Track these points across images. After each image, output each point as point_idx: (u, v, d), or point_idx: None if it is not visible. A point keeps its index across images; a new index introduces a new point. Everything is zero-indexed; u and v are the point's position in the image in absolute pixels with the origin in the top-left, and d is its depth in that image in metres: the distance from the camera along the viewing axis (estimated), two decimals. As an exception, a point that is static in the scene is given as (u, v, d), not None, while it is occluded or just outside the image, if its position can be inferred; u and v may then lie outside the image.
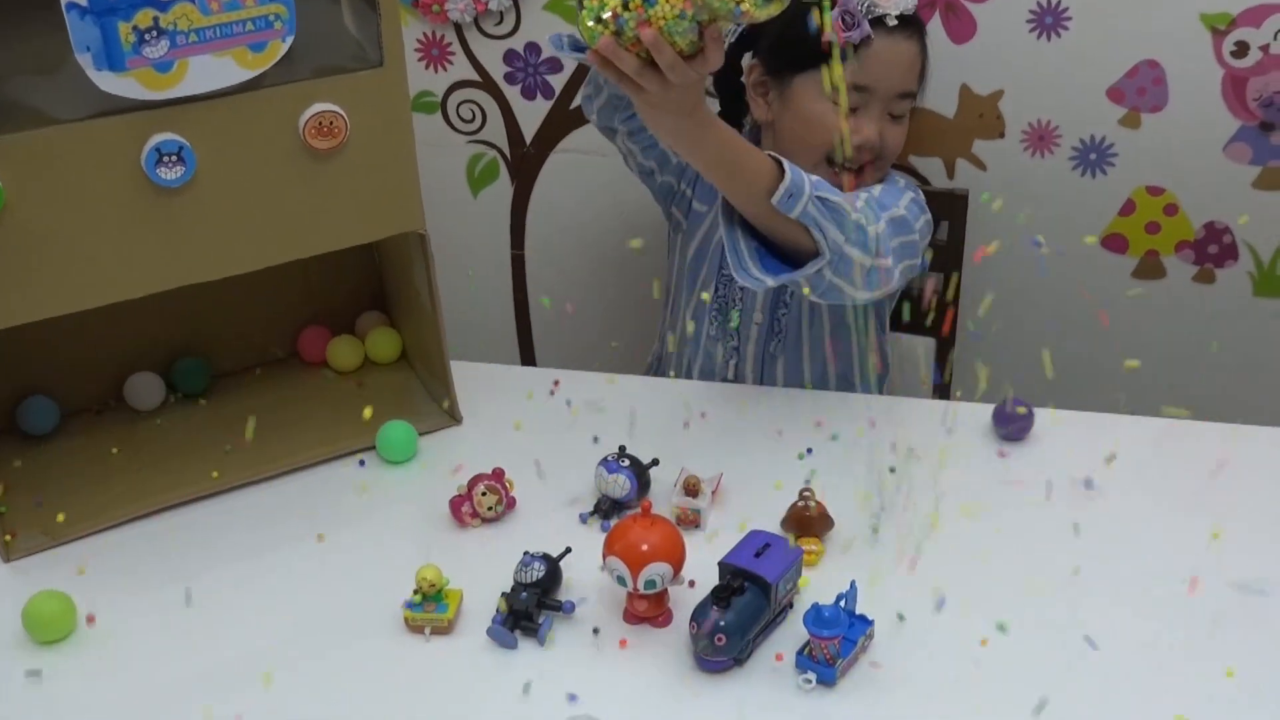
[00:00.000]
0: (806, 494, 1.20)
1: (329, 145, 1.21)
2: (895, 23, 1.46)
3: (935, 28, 1.68)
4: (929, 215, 1.52)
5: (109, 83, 1.09)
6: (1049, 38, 1.66)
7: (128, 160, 1.13)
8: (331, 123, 1.21)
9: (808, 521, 1.19)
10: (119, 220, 1.15)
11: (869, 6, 1.46)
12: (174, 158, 1.15)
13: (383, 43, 1.21)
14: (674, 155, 1.57)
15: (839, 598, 1.05)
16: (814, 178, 1.26)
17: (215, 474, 1.33)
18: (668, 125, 1.20)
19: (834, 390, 1.55)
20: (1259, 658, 1.05)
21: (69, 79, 1.08)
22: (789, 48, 1.51)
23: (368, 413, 1.31)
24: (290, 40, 1.16)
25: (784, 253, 1.30)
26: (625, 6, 1.08)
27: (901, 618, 1.09)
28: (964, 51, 1.69)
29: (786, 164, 1.24)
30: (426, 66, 1.87)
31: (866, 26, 1.45)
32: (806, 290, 1.29)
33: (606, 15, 1.08)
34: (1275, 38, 1.60)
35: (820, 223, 1.24)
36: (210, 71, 1.13)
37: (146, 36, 1.08)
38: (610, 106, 1.50)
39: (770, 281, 1.27)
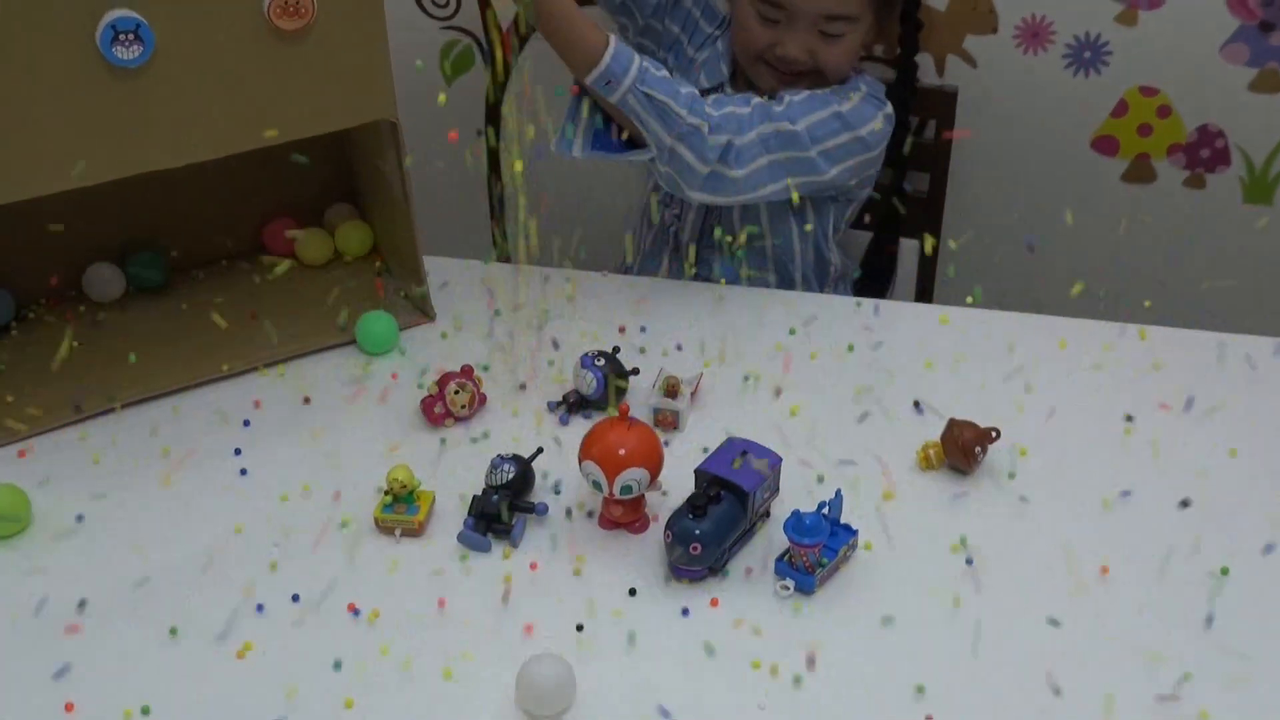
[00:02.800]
0: (994, 434, 1.14)
1: (295, 26, 1.15)
2: None
3: (929, -85, 1.62)
4: (883, 124, 1.46)
5: (59, -47, 1.03)
6: (1047, -72, 1.60)
7: (81, 38, 1.07)
8: (298, 2, 1.14)
9: (957, 449, 1.14)
10: (71, 103, 1.09)
11: None
12: (131, 36, 1.08)
13: (354, -83, 1.15)
14: (638, 15, 1.54)
15: (821, 505, 1.02)
16: (659, 73, 1.29)
17: (179, 370, 1.29)
18: None
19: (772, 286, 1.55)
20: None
21: (15, -52, 1.02)
22: None
23: (343, 317, 1.30)
24: (254, -87, 1.10)
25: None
26: None
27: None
28: (958, -59, 1.63)
29: (613, 48, 1.26)
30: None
31: None
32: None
33: None
34: (1281, -67, 1.54)
35: (642, 117, 1.28)
36: (169, -56, 1.07)
37: (99, -97, 1.02)
38: None
39: (579, 154, 1.32)
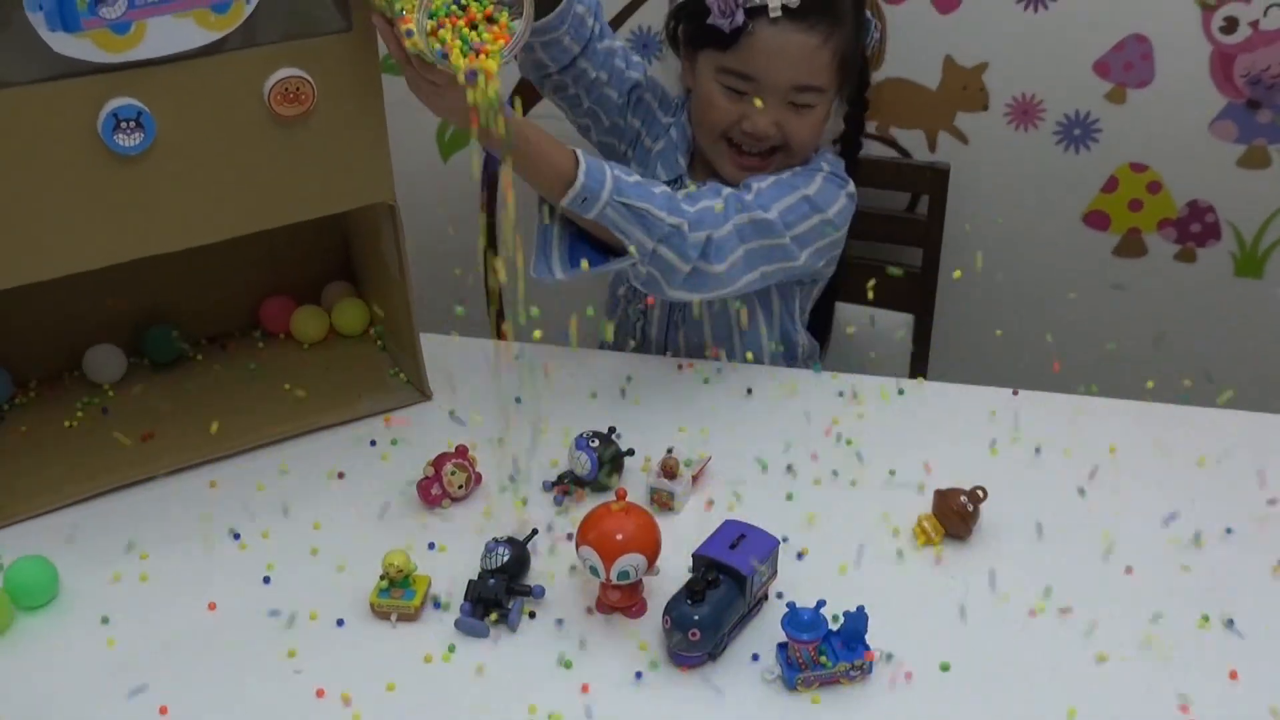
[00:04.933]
0: (980, 493, 1.15)
1: (295, 112, 1.17)
2: (778, 14, 1.37)
3: (921, -2, 1.65)
4: (845, 202, 1.44)
5: (63, 44, 1.04)
6: (1035, 10, 1.63)
7: (83, 126, 1.08)
8: (298, 89, 1.16)
9: (949, 513, 1.15)
10: (74, 189, 1.10)
11: None
12: (132, 124, 1.09)
13: (351, 5, 1.16)
14: (604, 116, 1.53)
15: (820, 602, 1.02)
16: (631, 179, 1.25)
17: (173, 453, 1.29)
18: (441, 109, 1.22)
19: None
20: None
21: (20, 39, 1.02)
22: (691, 20, 1.45)
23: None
24: (255, 1, 1.11)
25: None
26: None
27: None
28: (949, 22, 1.66)
29: (583, 165, 1.22)
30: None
31: (740, 17, 1.37)
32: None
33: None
34: (1265, 14, 1.57)
35: (622, 227, 1.24)
36: (170, 33, 1.08)
37: (103, -4, 1.03)
38: (530, 64, 1.46)
39: (561, 275, 1.27)
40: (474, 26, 1.11)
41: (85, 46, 1.05)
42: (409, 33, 1.10)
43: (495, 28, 1.12)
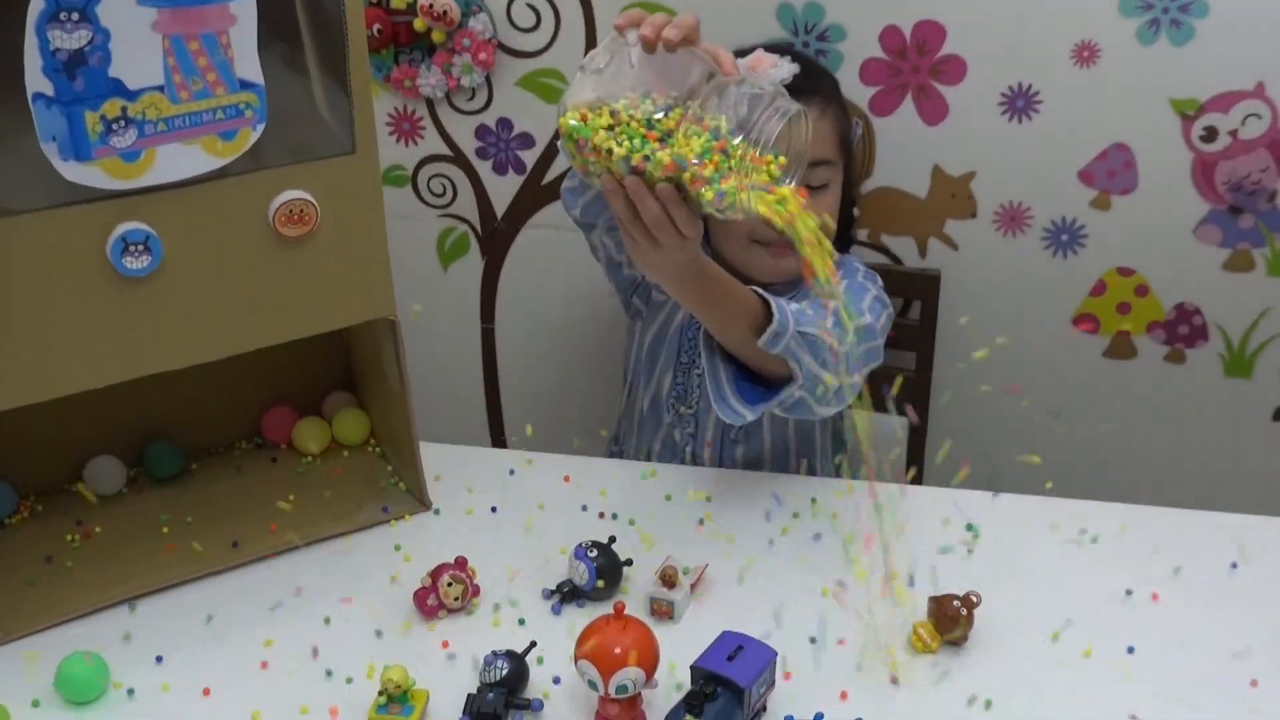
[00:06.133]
0: (974, 598, 1.17)
1: (299, 233, 1.20)
2: None
3: (908, 109, 1.69)
4: (889, 306, 1.49)
5: (75, 172, 1.07)
6: (1020, 120, 1.67)
7: (93, 250, 1.11)
8: (302, 210, 1.19)
9: (944, 619, 1.16)
10: (82, 310, 1.13)
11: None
12: (140, 247, 1.12)
13: (355, 129, 1.20)
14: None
15: (818, 715, 1.02)
16: (794, 307, 1.26)
17: (170, 566, 1.30)
18: (654, 264, 1.20)
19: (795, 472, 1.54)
20: None
21: (33, 168, 1.06)
22: None
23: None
24: (261, 128, 1.14)
25: (751, 370, 1.30)
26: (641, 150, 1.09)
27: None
28: (936, 133, 1.70)
29: (774, 303, 1.24)
30: (398, 140, 1.86)
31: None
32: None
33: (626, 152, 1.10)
34: (1243, 123, 1.61)
35: (799, 355, 1.26)
36: (179, 160, 1.12)
37: (114, 126, 1.07)
38: (596, 205, 1.46)
39: (749, 415, 1.28)
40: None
41: (96, 174, 1.08)
42: (721, 194, 1.09)
43: (766, 165, 1.11)
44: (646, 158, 1.10)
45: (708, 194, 1.09)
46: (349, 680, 1.14)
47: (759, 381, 1.32)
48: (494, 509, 1.39)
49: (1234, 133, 1.62)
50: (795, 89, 1.38)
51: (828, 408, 1.34)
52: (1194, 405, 1.80)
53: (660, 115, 1.12)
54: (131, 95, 1.07)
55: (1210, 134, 1.63)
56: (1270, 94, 1.59)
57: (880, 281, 1.52)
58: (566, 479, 1.44)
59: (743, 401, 1.29)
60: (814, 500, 1.39)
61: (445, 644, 1.19)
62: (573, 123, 1.14)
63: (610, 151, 1.12)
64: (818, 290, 1.10)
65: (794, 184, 1.13)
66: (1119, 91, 1.62)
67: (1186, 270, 1.72)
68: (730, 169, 1.09)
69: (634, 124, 1.12)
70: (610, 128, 1.12)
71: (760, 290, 1.26)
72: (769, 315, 1.24)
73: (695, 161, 1.08)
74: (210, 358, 1.21)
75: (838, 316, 1.34)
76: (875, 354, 1.43)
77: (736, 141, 1.08)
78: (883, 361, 1.45)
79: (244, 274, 1.19)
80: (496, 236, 1.91)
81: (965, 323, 1.74)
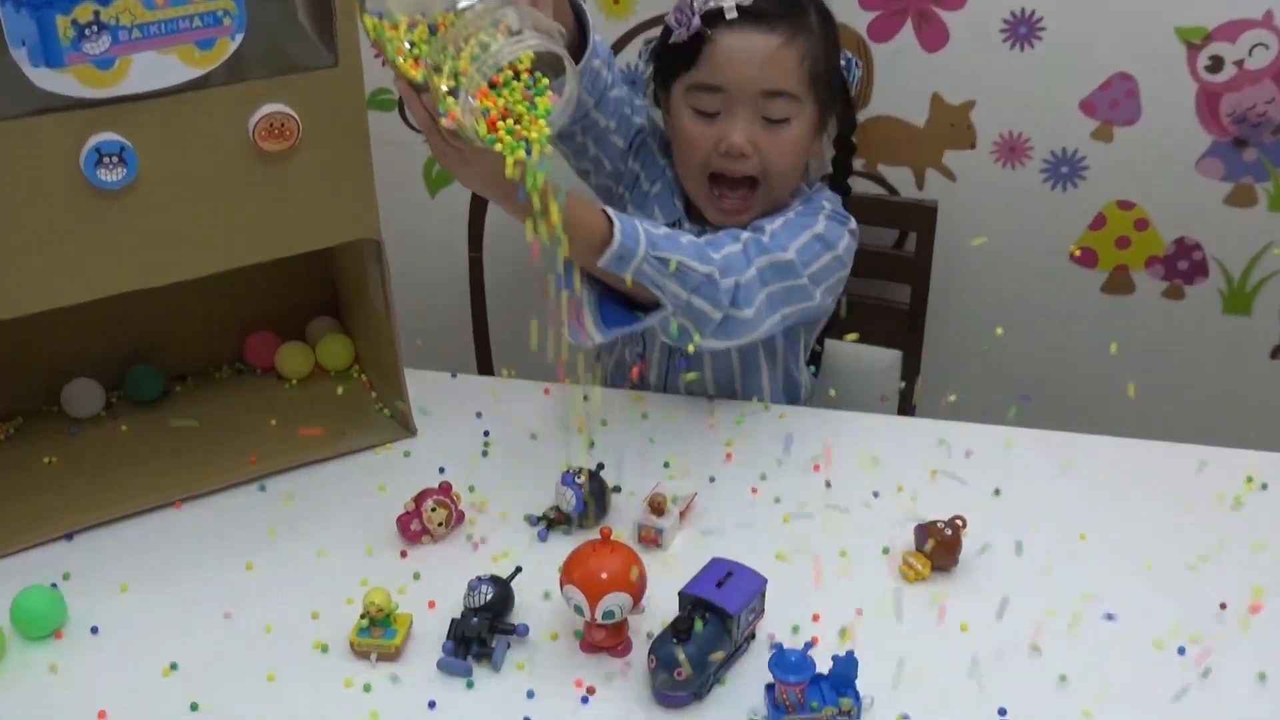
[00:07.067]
0: (960, 522, 1.16)
1: (280, 148, 1.16)
2: (734, 15, 1.35)
3: (907, 35, 1.65)
4: (840, 251, 1.42)
5: (46, 80, 1.03)
6: (1022, 48, 1.63)
7: (65, 161, 1.07)
8: (283, 124, 1.15)
9: (934, 545, 1.15)
10: (56, 224, 1.10)
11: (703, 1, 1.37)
12: (115, 159, 1.09)
13: (338, 41, 1.16)
14: (607, 162, 1.50)
15: (807, 645, 1.00)
16: (660, 231, 1.22)
17: (159, 488, 1.28)
18: (466, 175, 1.16)
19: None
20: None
21: (2, 74, 1.02)
22: (659, 54, 1.44)
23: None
24: (240, 38, 1.11)
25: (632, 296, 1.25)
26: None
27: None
28: (936, 60, 1.66)
29: (618, 225, 1.18)
30: (384, 64, 1.81)
31: (696, 23, 1.36)
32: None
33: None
34: (1250, 53, 1.58)
35: (658, 281, 1.21)
36: (155, 69, 1.08)
37: (87, 31, 1.03)
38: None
39: (599, 338, 1.23)
40: (494, 87, 1.02)
41: (68, 82, 1.04)
42: (448, 109, 1.01)
43: (540, 98, 1.03)
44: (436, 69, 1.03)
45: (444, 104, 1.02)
46: (332, 605, 1.12)
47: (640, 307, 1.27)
48: (486, 433, 1.37)
49: (1240, 63, 1.59)
50: (760, 13, 1.36)
51: (711, 340, 1.29)
52: (1191, 342, 1.78)
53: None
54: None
55: (1216, 64, 1.59)
56: (1279, 23, 1.55)
57: (852, 225, 1.45)
58: (547, 394, 1.43)
59: (599, 324, 1.23)
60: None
61: (429, 569, 1.17)
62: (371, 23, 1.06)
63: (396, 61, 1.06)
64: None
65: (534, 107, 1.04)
66: (1123, 19, 1.59)
67: (1187, 204, 1.69)
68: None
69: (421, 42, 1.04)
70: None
71: (611, 210, 1.20)
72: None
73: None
74: (189, 276, 1.18)
75: (755, 244, 1.33)
76: (799, 294, 1.37)
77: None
78: (819, 305, 1.42)
79: (223, 189, 1.16)
80: (485, 163, 1.87)
81: (980, 244, 1.71)
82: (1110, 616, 1.11)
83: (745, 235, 1.35)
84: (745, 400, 1.48)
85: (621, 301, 1.26)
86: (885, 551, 1.18)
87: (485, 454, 1.34)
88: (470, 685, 1.04)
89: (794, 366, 1.54)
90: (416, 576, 1.16)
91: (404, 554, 1.20)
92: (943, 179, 1.74)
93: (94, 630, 1.11)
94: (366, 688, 1.04)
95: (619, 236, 1.18)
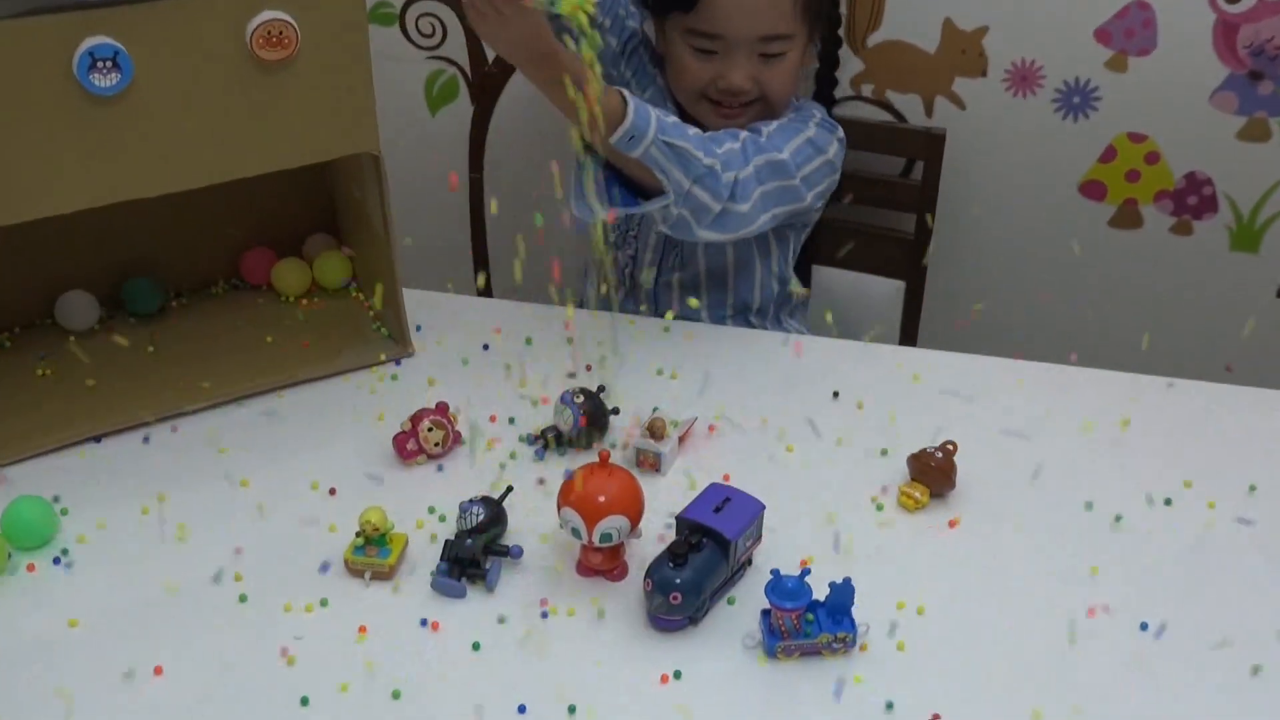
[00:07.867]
0: (949, 447, 1.16)
1: (278, 56, 1.13)
2: None
3: (921, -41, 1.62)
4: (839, 147, 1.48)
5: (37, -21, 1.01)
6: (1038, -27, 1.60)
7: (57, 64, 1.05)
8: (281, 32, 1.13)
9: (928, 470, 1.15)
10: (47, 130, 1.07)
11: None
12: (108, 63, 1.06)
13: (338, -52, 1.13)
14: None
15: (805, 571, 1.00)
16: (670, 119, 1.26)
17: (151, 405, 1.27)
18: (496, 34, 1.18)
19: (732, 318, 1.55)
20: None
21: (-8, -27, 1.00)
22: None
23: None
24: (238, -59, 1.08)
25: (635, 182, 1.30)
26: None
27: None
28: (949, -16, 1.63)
29: (633, 105, 1.22)
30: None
31: None
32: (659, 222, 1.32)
33: None
34: (1271, -17, 1.54)
35: (664, 165, 1.25)
36: (150, -29, 1.05)
37: (79, -70, 1.00)
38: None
39: (601, 213, 1.27)
40: None
41: (61, -18, 1.02)
42: None
43: None
44: None
45: None
46: (328, 525, 1.12)
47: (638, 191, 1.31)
48: (485, 347, 1.37)
49: (1260, -8, 1.55)
50: None
51: (707, 231, 1.34)
52: (1198, 278, 1.76)
53: None
54: (98, -103, 1.00)
55: (1235, -7, 1.56)
56: (1301, -48, 1.52)
57: (840, 134, 1.49)
58: (555, 328, 1.41)
59: (609, 199, 1.29)
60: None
61: (424, 489, 1.17)
62: None
63: None
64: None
65: None
66: (1143, -56, 1.56)
67: (1200, 138, 1.66)
68: None
69: None
70: None
71: (626, 92, 1.24)
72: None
73: None
74: (184, 187, 1.16)
75: (752, 143, 1.37)
76: (791, 194, 1.41)
77: None
78: (808, 207, 1.45)
79: (220, 98, 1.13)
80: (487, 81, 1.84)
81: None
82: (1119, 517, 1.12)
83: (744, 135, 1.38)
84: (737, 297, 1.51)
85: (628, 189, 1.30)
86: (883, 488, 1.17)
87: (483, 374, 1.33)
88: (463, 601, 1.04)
89: (785, 270, 1.57)
90: (413, 497, 1.15)
91: (400, 472, 1.19)
92: (952, 107, 1.71)
93: (83, 542, 1.11)
94: (360, 606, 1.04)
95: (632, 116, 1.22)
